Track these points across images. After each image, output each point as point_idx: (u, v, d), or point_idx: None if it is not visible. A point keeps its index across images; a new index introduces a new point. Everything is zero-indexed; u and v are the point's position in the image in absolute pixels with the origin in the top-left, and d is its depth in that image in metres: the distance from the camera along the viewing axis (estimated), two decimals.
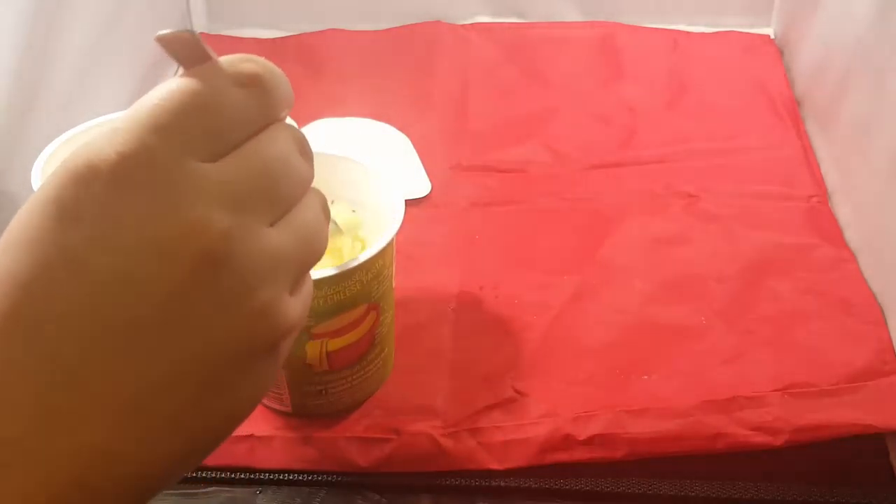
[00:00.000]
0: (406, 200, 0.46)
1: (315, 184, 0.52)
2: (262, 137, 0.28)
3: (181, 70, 0.27)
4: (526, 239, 0.61)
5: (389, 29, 0.84)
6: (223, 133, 0.27)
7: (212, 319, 0.25)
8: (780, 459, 0.46)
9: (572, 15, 0.85)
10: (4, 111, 0.56)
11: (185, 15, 0.86)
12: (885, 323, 0.53)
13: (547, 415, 0.48)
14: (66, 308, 0.24)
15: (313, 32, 0.84)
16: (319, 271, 0.42)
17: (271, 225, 0.27)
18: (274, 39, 0.84)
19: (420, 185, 0.66)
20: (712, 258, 0.58)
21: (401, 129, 0.71)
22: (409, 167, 0.67)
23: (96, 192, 0.24)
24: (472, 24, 0.84)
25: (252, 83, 0.28)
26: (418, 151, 0.69)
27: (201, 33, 0.85)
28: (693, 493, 0.46)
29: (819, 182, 0.64)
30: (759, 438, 0.46)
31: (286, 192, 0.28)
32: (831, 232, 0.60)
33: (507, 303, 0.56)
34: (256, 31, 0.86)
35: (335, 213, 0.47)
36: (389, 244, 0.44)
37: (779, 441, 0.46)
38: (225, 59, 0.28)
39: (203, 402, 0.26)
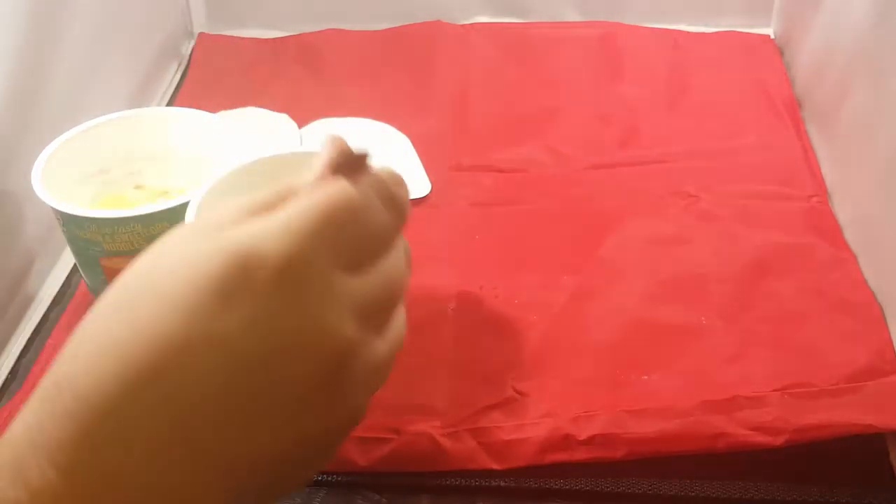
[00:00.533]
0: None
1: None
2: (390, 255, 0.31)
3: (328, 170, 0.31)
4: (526, 239, 0.61)
5: (389, 29, 0.84)
6: (368, 249, 0.31)
7: (320, 413, 0.29)
8: (781, 459, 0.46)
9: (572, 15, 0.85)
10: (4, 111, 0.56)
11: (185, 14, 0.86)
12: (885, 323, 0.52)
13: (547, 415, 0.48)
14: (203, 381, 0.26)
15: (313, 32, 0.84)
16: None
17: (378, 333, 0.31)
18: (274, 39, 0.84)
19: (420, 185, 0.66)
20: (712, 258, 0.58)
21: (401, 129, 0.71)
22: (409, 167, 0.67)
23: (257, 284, 0.27)
24: (472, 24, 0.84)
25: (396, 208, 0.32)
26: (418, 151, 0.69)
27: (200, 33, 0.85)
28: (693, 493, 0.46)
29: (819, 182, 0.64)
30: (759, 438, 0.46)
31: (395, 304, 0.32)
32: (831, 232, 0.60)
33: (507, 303, 0.56)
34: (256, 31, 0.86)
35: None
36: None
37: (779, 441, 0.46)
38: (380, 178, 0.31)
39: (290, 476, 0.29)
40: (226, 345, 0.26)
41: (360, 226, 0.30)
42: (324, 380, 0.28)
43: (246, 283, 0.27)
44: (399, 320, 0.32)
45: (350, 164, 0.31)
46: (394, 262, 0.31)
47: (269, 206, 0.29)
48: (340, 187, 0.29)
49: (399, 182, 0.32)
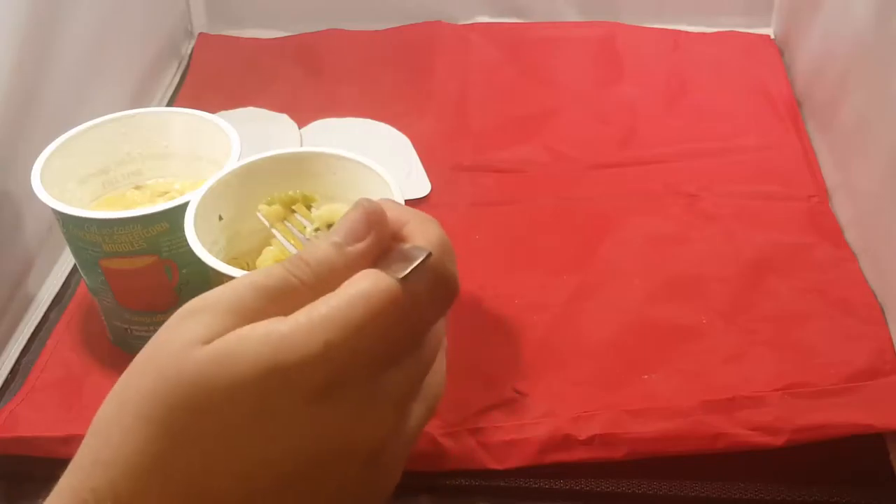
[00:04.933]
0: (406, 200, 0.46)
1: (315, 184, 0.51)
2: (429, 342, 0.30)
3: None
4: (526, 239, 0.61)
5: (389, 29, 0.84)
6: (412, 341, 0.29)
7: (358, 490, 0.29)
8: (780, 459, 0.46)
9: (572, 15, 0.85)
10: (4, 111, 0.56)
11: (185, 14, 0.86)
12: (885, 323, 0.52)
13: (547, 415, 0.48)
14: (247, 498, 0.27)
15: (313, 32, 0.84)
16: None
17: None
18: (274, 39, 0.84)
19: (420, 185, 0.66)
20: (712, 258, 0.58)
21: (401, 129, 0.71)
22: (409, 167, 0.67)
23: (299, 405, 0.26)
24: (472, 24, 0.84)
25: (447, 288, 0.29)
26: (418, 151, 0.69)
27: (200, 33, 0.85)
28: (693, 493, 0.46)
29: (819, 182, 0.64)
30: (759, 438, 0.46)
31: (431, 365, 0.31)
32: (831, 232, 0.60)
33: (508, 303, 0.56)
34: (256, 31, 0.86)
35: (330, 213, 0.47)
36: None
37: (779, 441, 0.46)
38: (434, 265, 0.29)
39: None
40: (270, 468, 0.27)
41: (405, 325, 0.28)
42: (363, 467, 0.28)
43: (287, 403, 0.26)
44: (437, 377, 0.31)
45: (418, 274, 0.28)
46: (435, 349, 0.30)
47: (291, 292, 0.28)
48: (385, 286, 0.27)
49: (451, 256, 0.30)
